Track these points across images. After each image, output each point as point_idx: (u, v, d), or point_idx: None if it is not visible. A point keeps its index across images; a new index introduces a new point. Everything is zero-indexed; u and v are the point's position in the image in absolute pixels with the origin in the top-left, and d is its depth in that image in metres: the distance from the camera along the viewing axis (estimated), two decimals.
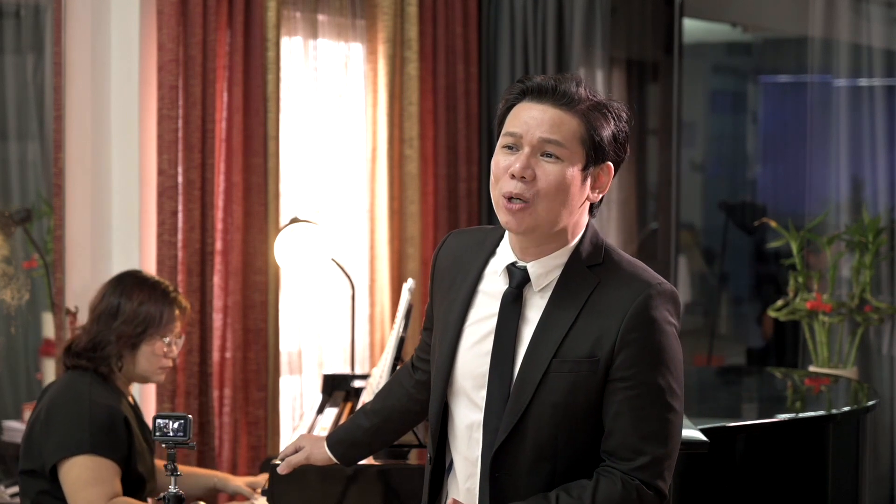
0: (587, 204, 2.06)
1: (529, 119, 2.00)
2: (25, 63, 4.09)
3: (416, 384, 2.36)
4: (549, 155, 1.98)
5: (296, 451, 2.49)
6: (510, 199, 2.00)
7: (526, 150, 1.99)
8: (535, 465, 2.02)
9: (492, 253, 2.13)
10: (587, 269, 2.04)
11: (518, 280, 2.06)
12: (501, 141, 2.03)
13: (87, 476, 2.73)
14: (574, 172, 1.99)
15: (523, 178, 1.98)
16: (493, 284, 2.10)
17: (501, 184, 2.01)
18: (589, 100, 2.01)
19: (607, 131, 2.01)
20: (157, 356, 2.94)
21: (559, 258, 2.04)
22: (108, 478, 2.74)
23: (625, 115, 2.05)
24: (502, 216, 2.03)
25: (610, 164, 2.04)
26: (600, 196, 2.06)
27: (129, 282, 3.00)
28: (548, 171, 1.98)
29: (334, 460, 2.44)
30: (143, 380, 2.98)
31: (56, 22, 3.68)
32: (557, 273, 2.04)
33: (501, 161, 2.02)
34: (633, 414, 1.98)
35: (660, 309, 1.99)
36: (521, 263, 2.06)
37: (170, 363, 3.00)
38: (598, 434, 2.03)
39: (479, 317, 2.10)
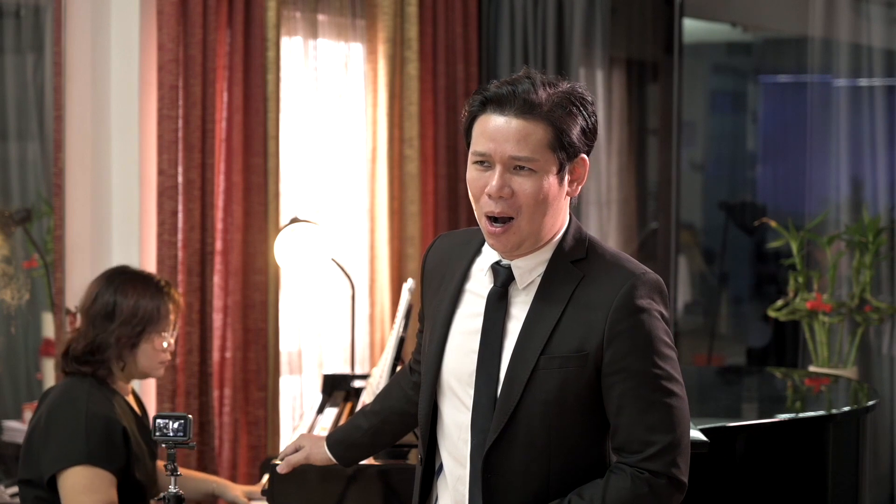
0: (567, 199, 2.06)
1: (495, 134, 1.97)
2: (25, 63, 4.09)
3: (413, 386, 2.36)
4: (522, 168, 1.97)
5: (296, 451, 2.49)
6: (493, 221, 2.00)
7: (498, 168, 1.98)
8: (528, 466, 2.01)
9: (478, 252, 2.14)
10: (571, 265, 2.03)
11: (503, 278, 2.06)
12: (471, 158, 2.02)
13: (82, 485, 2.72)
14: (550, 180, 1.98)
15: (501, 196, 1.98)
16: (479, 283, 2.10)
17: (482, 203, 2.01)
18: (550, 98, 1.97)
19: (576, 128, 1.98)
20: (156, 352, 2.91)
21: (543, 255, 2.04)
22: (103, 487, 2.73)
23: (588, 98, 2.01)
24: (487, 239, 2.04)
25: (584, 156, 2.03)
26: (579, 188, 2.06)
27: (122, 279, 2.92)
28: (524, 185, 1.97)
29: (334, 460, 2.44)
30: (144, 376, 2.96)
31: (56, 22, 3.68)
32: (542, 269, 2.04)
33: (476, 179, 2.01)
34: (634, 406, 1.97)
35: (644, 298, 1.98)
36: (505, 262, 2.06)
37: (169, 357, 2.96)
38: (592, 433, 2.03)
39: (466, 315, 2.10)
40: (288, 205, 4.18)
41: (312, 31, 4.27)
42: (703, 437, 2.84)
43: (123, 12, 3.81)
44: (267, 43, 4.02)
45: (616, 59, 5.44)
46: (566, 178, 2.01)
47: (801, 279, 4.68)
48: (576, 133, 1.99)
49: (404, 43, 4.47)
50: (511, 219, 1.99)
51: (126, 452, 2.81)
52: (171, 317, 2.93)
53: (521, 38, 4.82)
